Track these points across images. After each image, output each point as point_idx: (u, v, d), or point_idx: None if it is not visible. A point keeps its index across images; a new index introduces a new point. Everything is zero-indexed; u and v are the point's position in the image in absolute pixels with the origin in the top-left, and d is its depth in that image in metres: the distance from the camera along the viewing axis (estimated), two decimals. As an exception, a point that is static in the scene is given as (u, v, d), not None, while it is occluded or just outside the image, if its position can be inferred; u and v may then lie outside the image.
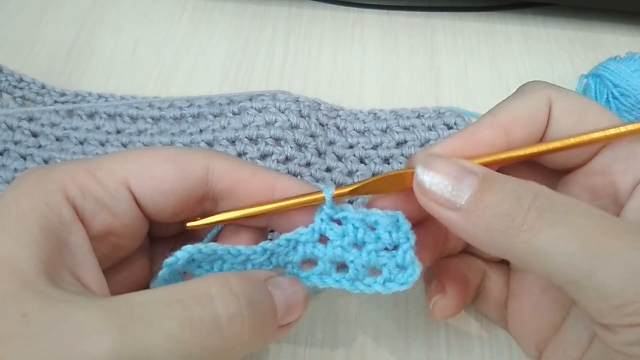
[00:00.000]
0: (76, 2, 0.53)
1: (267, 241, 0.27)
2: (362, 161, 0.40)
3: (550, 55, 0.50)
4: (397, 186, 0.27)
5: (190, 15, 0.53)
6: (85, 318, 0.21)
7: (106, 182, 0.25)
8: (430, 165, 0.25)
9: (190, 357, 0.21)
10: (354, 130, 0.42)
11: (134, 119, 0.43)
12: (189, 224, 0.28)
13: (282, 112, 0.39)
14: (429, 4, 0.54)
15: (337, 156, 0.40)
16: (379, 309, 0.35)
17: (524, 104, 0.27)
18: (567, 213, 0.23)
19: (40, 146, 0.41)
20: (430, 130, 0.41)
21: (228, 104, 0.42)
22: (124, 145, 0.41)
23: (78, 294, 0.22)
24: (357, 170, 0.40)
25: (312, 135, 0.40)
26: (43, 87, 0.45)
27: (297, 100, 0.41)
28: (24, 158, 0.40)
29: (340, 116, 0.43)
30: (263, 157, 0.38)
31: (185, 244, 0.27)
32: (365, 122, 0.42)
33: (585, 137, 0.26)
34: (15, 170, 0.39)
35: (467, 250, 0.32)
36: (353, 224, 0.27)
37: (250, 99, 0.41)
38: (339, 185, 0.38)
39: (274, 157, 0.38)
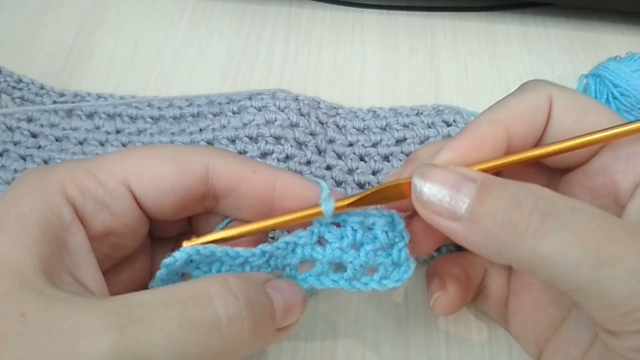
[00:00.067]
0: (76, 2, 0.53)
1: (265, 244, 0.27)
2: (362, 159, 0.40)
3: (550, 55, 0.50)
4: (396, 196, 0.27)
5: (190, 15, 0.53)
6: (84, 318, 0.20)
7: (106, 182, 0.25)
8: (427, 176, 0.25)
9: (189, 357, 0.21)
10: (354, 128, 0.42)
11: (133, 118, 0.43)
12: (183, 244, 0.28)
13: (282, 111, 0.39)
14: (429, 4, 0.54)
15: (337, 154, 0.40)
16: (379, 309, 0.35)
17: (525, 101, 0.27)
18: (571, 217, 0.22)
19: (39, 147, 0.41)
20: (430, 127, 0.41)
21: (228, 103, 0.42)
22: (124, 145, 0.41)
23: (77, 294, 0.22)
24: (357, 168, 0.40)
25: (312, 134, 0.40)
26: (42, 87, 0.45)
27: (297, 99, 0.41)
28: (24, 159, 0.40)
29: (339, 114, 0.43)
30: (263, 155, 0.38)
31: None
32: (364, 120, 0.42)
33: (585, 139, 0.26)
34: (15, 171, 0.39)
35: None
36: (352, 227, 0.27)
37: (250, 98, 0.41)
38: (339, 184, 0.39)
39: (274, 155, 0.38)
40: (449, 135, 0.40)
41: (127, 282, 0.29)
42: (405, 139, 0.41)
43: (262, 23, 0.52)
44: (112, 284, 0.26)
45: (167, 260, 0.26)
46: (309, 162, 0.39)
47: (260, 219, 0.27)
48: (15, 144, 0.41)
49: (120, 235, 0.26)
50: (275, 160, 0.38)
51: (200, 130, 0.41)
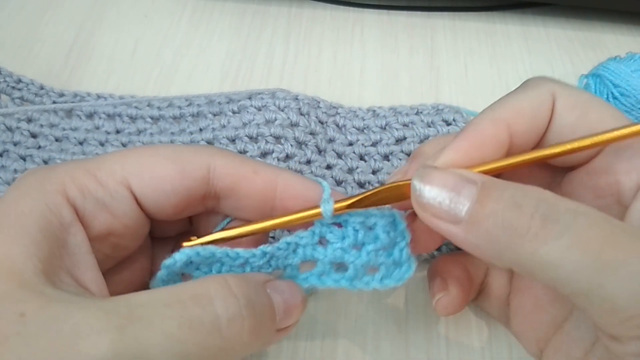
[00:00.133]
0: (76, 2, 0.53)
1: (266, 245, 0.27)
2: (362, 158, 0.40)
3: (550, 55, 0.50)
4: (396, 197, 0.26)
5: (190, 15, 0.53)
6: (84, 318, 0.20)
7: (106, 183, 0.25)
8: (427, 178, 0.24)
9: (189, 357, 0.21)
10: (354, 127, 0.42)
11: (133, 118, 0.43)
12: (183, 244, 0.28)
13: (282, 110, 0.39)
14: (429, 4, 0.54)
15: (337, 153, 0.40)
16: (379, 309, 0.35)
17: (527, 99, 0.27)
18: (573, 221, 0.22)
19: (39, 147, 0.41)
20: (429, 126, 0.41)
21: (227, 102, 0.42)
22: (124, 145, 0.41)
23: (76, 295, 0.22)
24: (357, 167, 0.40)
25: (312, 133, 0.40)
26: (42, 87, 0.45)
27: (297, 98, 0.41)
28: (24, 159, 0.40)
29: (339, 114, 0.43)
30: (263, 155, 0.38)
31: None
32: (364, 120, 0.42)
33: (588, 142, 0.25)
34: (15, 171, 0.39)
35: None
36: (353, 227, 0.27)
37: (250, 98, 0.41)
38: (339, 183, 0.39)
39: (274, 155, 0.38)
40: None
41: (128, 282, 0.28)
42: (405, 138, 0.41)
43: (262, 23, 0.52)
44: (112, 284, 0.26)
45: (167, 261, 0.26)
46: (309, 162, 0.39)
47: (260, 219, 0.27)
48: (15, 144, 0.41)
49: (120, 236, 0.26)
50: (276, 159, 0.38)
51: (200, 130, 0.41)
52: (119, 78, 0.48)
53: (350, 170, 0.39)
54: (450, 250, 0.35)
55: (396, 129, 0.41)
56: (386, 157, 0.40)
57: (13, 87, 0.44)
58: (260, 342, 0.25)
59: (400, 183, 0.26)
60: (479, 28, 0.52)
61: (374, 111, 0.43)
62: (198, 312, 0.22)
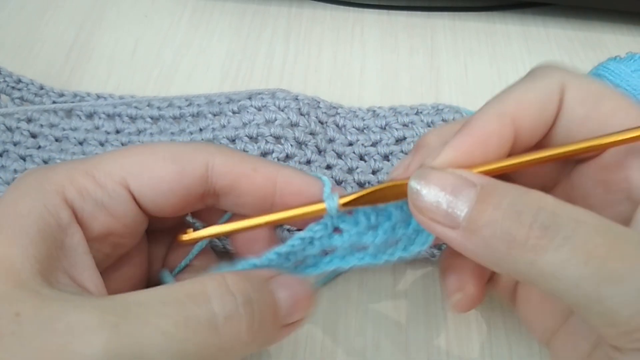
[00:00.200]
0: (76, 2, 0.53)
1: (280, 246, 0.27)
2: (362, 158, 0.40)
3: (550, 55, 0.50)
4: (394, 196, 0.26)
5: (190, 15, 0.53)
6: (79, 317, 0.20)
7: (104, 183, 0.25)
8: (424, 180, 0.24)
9: (186, 355, 0.21)
10: (354, 127, 0.42)
11: (133, 118, 0.43)
12: (179, 238, 0.28)
13: (282, 110, 0.39)
14: (429, 4, 0.54)
15: (337, 154, 0.40)
16: (379, 309, 0.35)
17: (534, 90, 0.25)
18: (574, 231, 0.21)
19: (39, 147, 0.41)
20: (429, 126, 0.41)
21: (227, 102, 0.42)
22: (124, 145, 0.41)
23: (74, 294, 0.22)
24: (357, 167, 0.40)
25: (312, 133, 0.40)
26: (41, 87, 0.45)
27: (297, 99, 0.41)
28: (24, 159, 0.40)
29: (339, 114, 0.43)
30: (263, 155, 0.38)
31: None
32: (364, 120, 0.42)
33: (595, 142, 0.24)
34: (15, 171, 0.39)
35: None
36: (364, 211, 0.27)
37: (250, 98, 0.41)
38: (339, 183, 0.38)
39: (274, 155, 0.38)
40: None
41: (126, 278, 0.28)
42: (405, 138, 0.41)
43: (262, 23, 0.52)
44: (111, 281, 0.26)
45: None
46: (309, 162, 0.39)
47: (259, 214, 0.27)
48: (15, 144, 0.41)
49: (120, 235, 0.26)
50: (275, 159, 0.38)
51: (200, 130, 0.41)
52: (119, 78, 0.48)
53: (350, 171, 0.39)
54: None
55: (396, 129, 0.41)
56: (386, 157, 0.40)
57: (13, 87, 0.44)
58: (261, 340, 0.24)
59: (398, 182, 0.26)
60: (479, 28, 0.52)
61: (374, 111, 0.43)
62: (195, 310, 0.22)
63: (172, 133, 0.42)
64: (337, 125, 0.42)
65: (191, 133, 0.41)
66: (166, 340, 0.21)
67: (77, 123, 0.43)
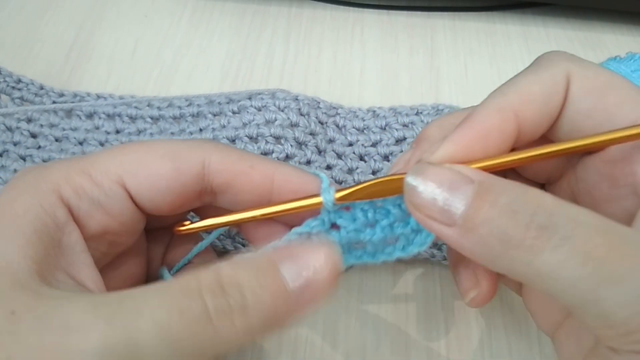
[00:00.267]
0: (76, 2, 0.53)
1: (276, 241, 0.26)
2: (361, 158, 0.40)
3: (550, 55, 0.50)
4: (391, 191, 0.25)
5: (190, 15, 0.53)
6: (74, 312, 0.20)
7: (101, 182, 0.25)
8: (420, 176, 0.23)
9: (180, 343, 0.21)
10: (354, 128, 0.42)
11: (133, 118, 0.43)
12: (176, 229, 0.27)
13: (282, 111, 0.40)
14: (429, 4, 0.54)
15: (337, 154, 0.40)
16: (379, 309, 0.35)
17: (539, 82, 0.25)
18: (572, 231, 0.20)
19: (39, 147, 0.41)
20: (430, 126, 0.41)
21: (227, 102, 0.42)
22: (123, 145, 0.41)
23: (71, 292, 0.22)
24: (357, 168, 0.40)
25: (312, 134, 0.40)
26: (41, 87, 0.45)
27: (297, 99, 0.41)
28: (24, 159, 0.40)
29: (339, 114, 0.43)
30: (263, 155, 0.38)
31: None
32: (364, 120, 0.42)
33: (598, 138, 0.24)
34: (15, 171, 0.39)
35: None
36: (362, 207, 0.27)
37: (250, 98, 0.41)
38: (339, 183, 0.38)
39: (274, 155, 0.38)
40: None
41: (125, 276, 0.28)
42: (405, 139, 0.41)
43: (262, 23, 0.52)
44: (110, 279, 0.26)
45: None
46: (309, 162, 0.39)
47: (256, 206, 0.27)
48: (15, 144, 0.41)
49: (117, 233, 0.26)
50: (276, 159, 0.38)
51: (200, 130, 0.41)
52: (119, 78, 0.48)
53: (350, 171, 0.40)
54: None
55: (396, 130, 0.41)
56: (386, 158, 0.40)
57: (13, 87, 0.44)
58: (262, 330, 0.23)
59: (395, 177, 0.25)
60: (479, 28, 0.52)
61: (374, 111, 0.43)
62: (188, 303, 0.21)
63: (172, 133, 0.42)
64: (337, 126, 0.42)
65: (191, 133, 0.41)
66: (160, 329, 0.20)
67: (77, 123, 0.43)
